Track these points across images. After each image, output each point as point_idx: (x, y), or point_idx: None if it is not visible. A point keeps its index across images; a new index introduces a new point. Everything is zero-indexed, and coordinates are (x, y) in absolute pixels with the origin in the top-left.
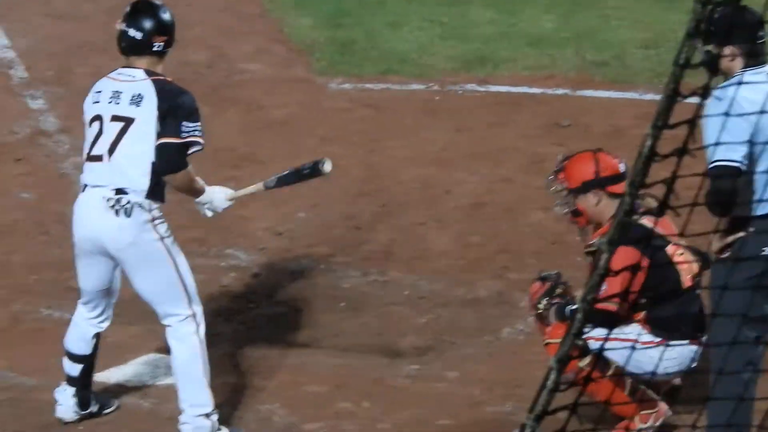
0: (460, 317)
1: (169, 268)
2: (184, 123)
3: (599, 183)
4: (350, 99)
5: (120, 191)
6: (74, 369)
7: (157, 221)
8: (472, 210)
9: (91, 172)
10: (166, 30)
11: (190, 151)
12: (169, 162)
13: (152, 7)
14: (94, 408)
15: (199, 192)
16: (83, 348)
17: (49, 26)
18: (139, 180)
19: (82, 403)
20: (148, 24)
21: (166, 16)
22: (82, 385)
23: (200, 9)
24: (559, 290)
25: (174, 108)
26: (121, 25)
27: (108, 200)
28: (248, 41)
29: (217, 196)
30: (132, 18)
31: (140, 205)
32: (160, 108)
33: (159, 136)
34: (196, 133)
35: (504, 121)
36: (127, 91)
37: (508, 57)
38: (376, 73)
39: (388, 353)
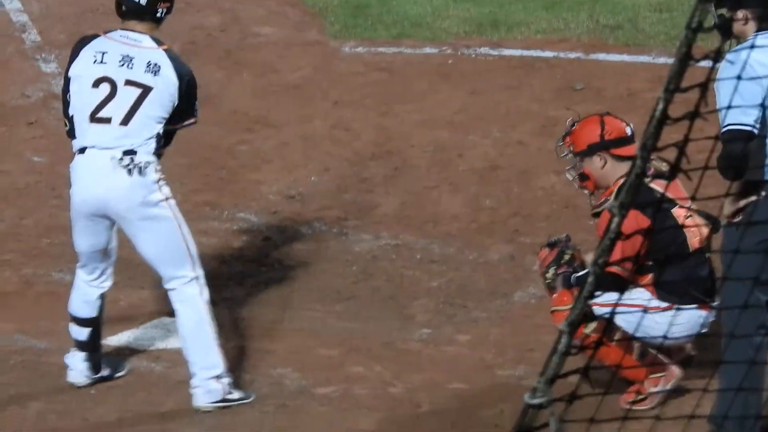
0: (472, 281)
1: (174, 229)
2: (195, 102)
3: (604, 145)
4: (363, 62)
5: (129, 152)
6: (82, 333)
7: (161, 182)
8: (485, 173)
9: (94, 134)
10: None
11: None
12: (170, 140)
13: None
14: (105, 372)
15: None
16: (88, 311)
17: None
18: (148, 143)
19: (93, 367)
20: None
21: None
22: (92, 348)
23: None
24: (566, 257)
25: (189, 88)
26: None
27: (120, 160)
28: (261, 4)
29: None
30: None
31: (151, 163)
32: (180, 87)
33: (182, 116)
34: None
35: (517, 84)
36: (140, 58)
37: (522, 20)
38: (390, 36)
39: (399, 317)
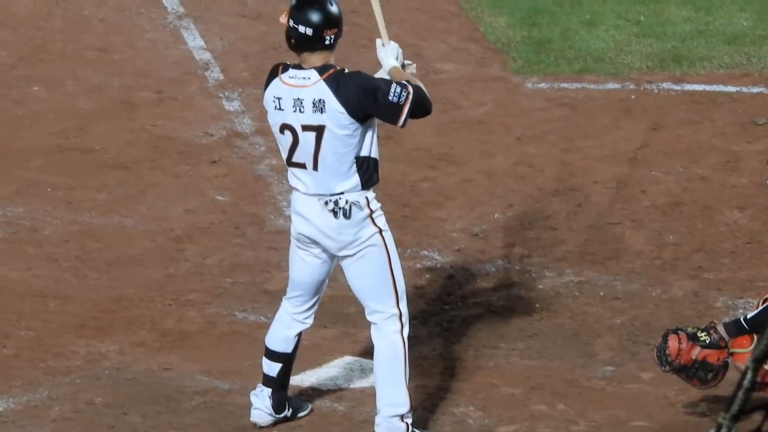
0: (656, 318)
1: (383, 263)
2: (389, 94)
3: None
4: (546, 98)
5: (334, 194)
6: (273, 368)
7: (375, 214)
8: (668, 209)
9: (298, 180)
10: (335, 22)
11: (402, 104)
12: (419, 112)
13: (318, 0)
14: (288, 412)
15: (410, 77)
16: (284, 346)
17: (245, 27)
18: (349, 180)
19: (278, 405)
20: (316, 18)
21: (333, 8)
22: (279, 386)
23: (396, 8)
24: (694, 329)
25: (361, 95)
26: (288, 21)
27: (326, 203)
28: (444, 40)
29: (388, 60)
30: (300, 13)
31: (357, 204)
32: (348, 108)
33: (389, 117)
34: (398, 89)
35: (699, 119)
36: (308, 98)
37: (704, 55)
38: (572, 72)
39: (582, 354)
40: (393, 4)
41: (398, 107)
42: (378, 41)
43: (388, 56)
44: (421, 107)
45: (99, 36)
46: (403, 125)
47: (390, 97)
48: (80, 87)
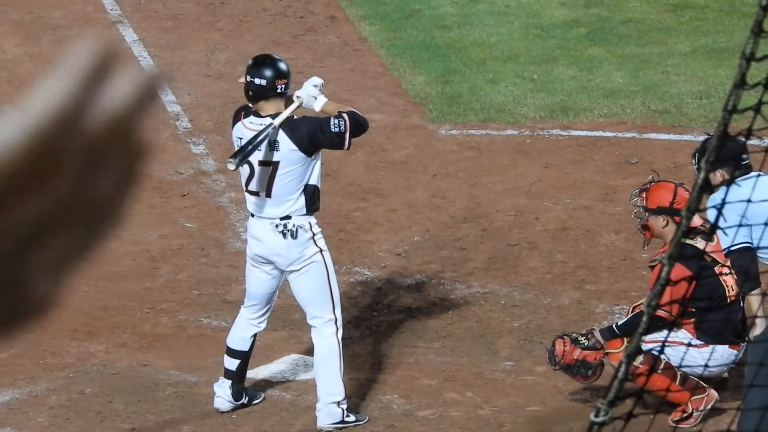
0: (547, 322)
1: (322, 277)
2: (331, 128)
3: (671, 212)
4: (457, 142)
5: (284, 218)
6: (232, 363)
7: (317, 236)
8: (557, 233)
9: (253, 205)
10: (284, 74)
11: (343, 132)
12: (359, 132)
13: (269, 58)
14: (244, 400)
15: (340, 106)
16: (242, 345)
17: (209, 85)
18: (295, 205)
19: (236, 395)
20: (269, 72)
21: (282, 64)
22: (238, 378)
23: (333, 70)
24: (577, 334)
25: (312, 137)
26: (246, 78)
27: (276, 226)
28: (373, 95)
29: (318, 101)
30: (255, 69)
31: (302, 227)
32: (303, 146)
33: (333, 146)
34: (336, 121)
35: (583, 159)
36: (265, 139)
37: (587, 107)
38: (478, 120)
39: (487, 352)
40: (330, 67)
41: (341, 135)
42: (300, 94)
43: (314, 97)
44: (359, 127)
45: None
46: (348, 147)
47: (333, 129)
48: None
